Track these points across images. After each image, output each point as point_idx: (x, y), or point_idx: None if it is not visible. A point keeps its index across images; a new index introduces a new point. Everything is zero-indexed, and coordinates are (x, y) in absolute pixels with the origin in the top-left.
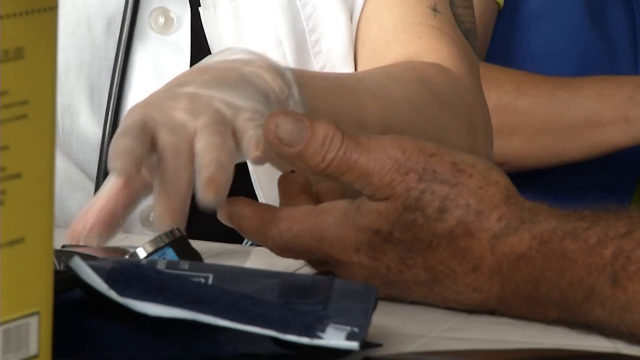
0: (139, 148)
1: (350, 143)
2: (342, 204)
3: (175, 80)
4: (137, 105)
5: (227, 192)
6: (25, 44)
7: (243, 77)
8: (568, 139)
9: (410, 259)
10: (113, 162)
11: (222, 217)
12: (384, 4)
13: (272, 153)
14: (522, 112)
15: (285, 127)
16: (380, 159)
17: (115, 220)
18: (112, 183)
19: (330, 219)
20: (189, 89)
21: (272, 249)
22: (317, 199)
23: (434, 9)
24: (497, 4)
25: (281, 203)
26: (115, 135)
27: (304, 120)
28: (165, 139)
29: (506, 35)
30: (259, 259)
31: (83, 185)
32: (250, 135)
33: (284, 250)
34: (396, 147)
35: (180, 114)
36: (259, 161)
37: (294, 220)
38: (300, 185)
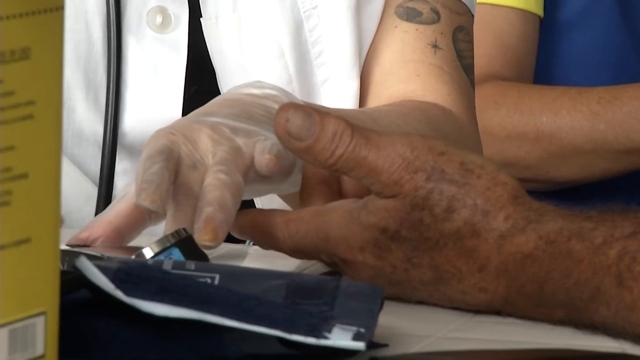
0: (166, 181)
1: (360, 139)
2: (347, 203)
3: (202, 109)
4: (163, 130)
5: (226, 233)
6: (32, 45)
7: (269, 113)
8: (623, 158)
9: (416, 258)
10: (140, 194)
11: (234, 232)
12: (383, 41)
13: (283, 162)
14: (568, 146)
15: (295, 122)
16: (389, 156)
17: (120, 236)
18: (127, 200)
19: (335, 219)
20: (215, 119)
21: (284, 252)
22: (339, 189)
23: (435, 46)
24: (538, 15)
25: (301, 192)
26: (143, 159)
27: (314, 114)
28: (181, 177)
29: (544, 45)
30: (264, 259)
31: (77, 180)
32: (266, 143)
33: (295, 252)
34: (405, 145)
35: (202, 146)
36: (270, 165)
37: (302, 222)
38: (322, 176)
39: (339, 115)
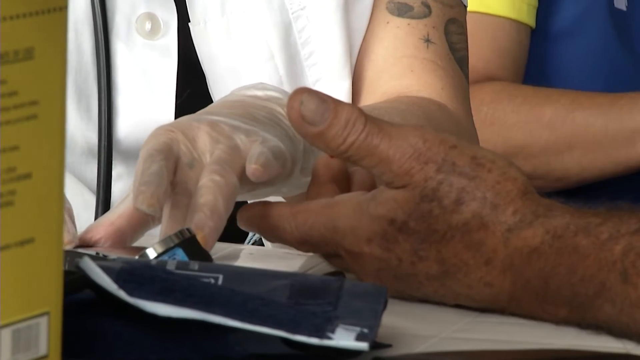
0: (165, 183)
1: (373, 128)
2: (356, 196)
3: (204, 110)
4: (163, 127)
5: (215, 239)
6: (35, 45)
7: (272, 115)
8: (630, 147)
9: (423, 251)
10: (138, 196)
11: (241, 224)
12: (375, 37)
13: (271, 171)
14: (580, 125)
15: (309, 105)
16: (401, 146)
17: (123, 237)
18: (130, 201)
19: (344, 210)
20: (215, 118)
21: (291, 243)
22: (348, 188)
23: (427, 40)
24: (529, 26)
25: (309, 188)
26: (142, 158)
27: (328, 100)
28: (178, 175)
29: (537, 55)
30: (267, 259)
31: (74, 187)
32: (255, 150)
33: (301, 243)
34: (418, 136)
35: (200, 144)
36: (256, 174)
37: (310, 213)
38: (332, 174)
39: (352, 104)
